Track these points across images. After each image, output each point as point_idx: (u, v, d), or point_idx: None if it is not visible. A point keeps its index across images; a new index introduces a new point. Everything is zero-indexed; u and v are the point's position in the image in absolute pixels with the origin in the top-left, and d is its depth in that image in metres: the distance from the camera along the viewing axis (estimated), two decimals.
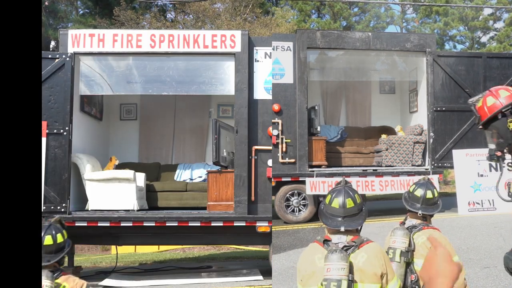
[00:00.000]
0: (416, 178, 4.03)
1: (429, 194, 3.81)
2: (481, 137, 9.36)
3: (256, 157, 7.65)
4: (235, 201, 7.46)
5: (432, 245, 1.52)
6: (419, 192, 3.84)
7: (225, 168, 7.92)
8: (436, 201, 3.85)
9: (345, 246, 2.80)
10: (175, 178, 9.30)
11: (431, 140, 9.33)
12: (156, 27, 18.47)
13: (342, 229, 2.84)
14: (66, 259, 7.95)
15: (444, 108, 9.33)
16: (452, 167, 9.22)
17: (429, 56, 9.42)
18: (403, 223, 3.85)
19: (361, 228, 3.02)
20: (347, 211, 2.89)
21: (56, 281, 3.26)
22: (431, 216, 3.90)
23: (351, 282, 2.66)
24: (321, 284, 2.66)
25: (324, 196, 3.08)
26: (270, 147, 7.84)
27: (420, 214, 3.78)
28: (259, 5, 21.80)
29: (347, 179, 9.90)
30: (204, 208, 7.86)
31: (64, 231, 3.55)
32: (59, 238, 3.44)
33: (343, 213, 2.88)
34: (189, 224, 7.38)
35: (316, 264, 2.81)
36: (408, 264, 3.58)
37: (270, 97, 7.89)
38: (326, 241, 2.88)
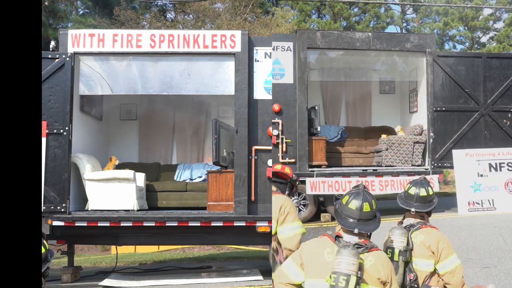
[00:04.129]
0: (406, 185, 4.09)
1: (423, 192, 3.84)
2: (481, 137, 9.39)
3: (256, 157, 7.65)
4: (235, 201, 7.46)
5: None
6: (413, 190, 3.88)
7: (225, 168, 7.92)
8: (431, 199, 3.87)
9: (356, 244, 2.87)
10: (175, 178, 9.29)
11: (431, 140, 9.33)
12: (156, 27, 18.48)
13: (356, 231, 2.91)
14: (67, 260, 7.96)
15: (444, 108, 9.34)
16: (452, 167, 9.22)
17: (429, 56, 9.42)
18: (401, 222, 3.87)
19: (370, 234, 3.07)
20: (362, 214, 2.96)
21: None
22: (429, 214, 3.91)
23: (359, 279, 2.72)
24: (330, 277, 2.71)
25: (341, 196, 3.14)
26: (270, 147, 7.84)
27: (413, 212, 3.81)
28: (259, 5, 21.82)
29: (347, 179, 9.87)
30: (204, 208, 7.85)
31: (45, 242, 3.45)
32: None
33: (358, 215, 2.96)
34: (189, 224, 7.38)
35: (324, 258, 2.88)
36: (407, 263, 3.60)
37: (270, 97, 7.89)
38: (337, 237, 2.95)
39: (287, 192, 4.54)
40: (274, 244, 4.36)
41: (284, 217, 4.21)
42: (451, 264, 3.59)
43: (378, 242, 3.40)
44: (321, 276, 2.81)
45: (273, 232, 4.35)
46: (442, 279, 3.60)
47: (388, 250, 3.62)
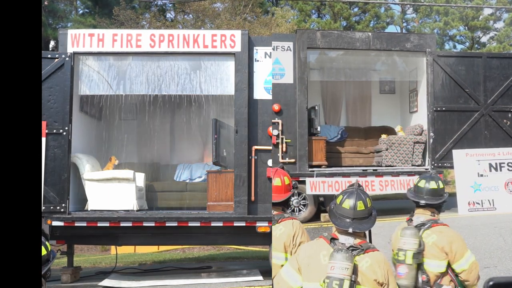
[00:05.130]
0: (416, 178, 4.00)
1: (433, 185, 3.77)
2: (481, 137, 9.39)
3: (256, 157, 7.65)
4: (235, 201, 7.46)
5: None
6: (423, 183, 3.80)
7: (225, 168, 7.91)
8: (441, 193, 3.80)
9: (351, 246, 2.82)
10: (175, 178, 9.28)
11: (431, 140, 9.32)
12: (156, 27, 18.47)
13: (350, 230, 2.85)
14: (67, 260, 7.95)
15: (444, 108, 9.33)
16: (452, 167, 9.21)
17: (429, 56, 9.41)
18: (410, 219, 3.77)
19: (370, 233, 3.03)
20: (357, 213, 2.91)
21: None
22: (439, 210, 3.81)
23: (353, 283, 2.68)
24: (324, 281, 2.67)
25: (335, 196, 3.09)
26: (270, 147, 7.84)
27: (423, 203, 3.73)
28: (259, 5, 21.81)
29: (347, 179, 9.82)
30: (204, 208, 7.85)
31: (47, 243, 3.42)
32: (43, 251, 3.27)
33: (352, 214, 2.91)
34: (189, 224, 7.37)
35: (320, 261, 2.84)
36: (419, 264, 3.51)
37: (270, 97, 7.88)
38: (333, 239, 2.91)
39: (290, 201, 4.10)
40: None
41: (296, 248, 3.74)
42: (467, 262, 3.57)
43: (378, 241, 3.35)
44: (318, 279, 2.77)
45: (279, 263, 3.74)
46: (460, 277, 3.56)
47: (400, 252, 3.49)
